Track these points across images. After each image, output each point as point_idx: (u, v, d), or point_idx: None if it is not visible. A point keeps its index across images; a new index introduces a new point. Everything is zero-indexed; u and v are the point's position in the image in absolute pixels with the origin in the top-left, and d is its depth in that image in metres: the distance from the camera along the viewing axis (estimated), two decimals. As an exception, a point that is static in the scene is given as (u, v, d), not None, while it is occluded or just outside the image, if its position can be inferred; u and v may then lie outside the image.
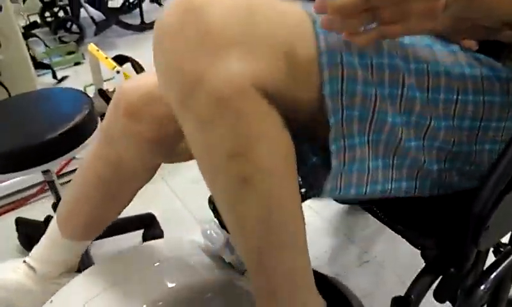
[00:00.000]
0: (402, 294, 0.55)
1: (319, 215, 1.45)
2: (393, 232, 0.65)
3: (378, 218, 0.60)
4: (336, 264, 1.28)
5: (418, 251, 0.60)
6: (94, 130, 1.07)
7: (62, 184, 1.66)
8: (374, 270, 1.25)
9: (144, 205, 1.30)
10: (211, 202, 0.69)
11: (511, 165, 0.48)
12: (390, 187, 0.51)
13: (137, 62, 1.82)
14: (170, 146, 0.68)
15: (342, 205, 1.46)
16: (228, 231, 0.72)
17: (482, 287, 0.60)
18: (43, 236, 0.79)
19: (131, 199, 0.76)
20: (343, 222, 1.44)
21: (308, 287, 0.52)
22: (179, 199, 1.55)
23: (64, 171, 1.67)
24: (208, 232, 0.78)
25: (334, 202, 1.44)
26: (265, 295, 0.50)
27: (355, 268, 1.27)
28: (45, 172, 1.17)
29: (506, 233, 0.58)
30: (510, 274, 0.69)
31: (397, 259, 1.24)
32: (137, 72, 1.76)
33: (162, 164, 0.75)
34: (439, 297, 0.55)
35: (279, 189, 0.44)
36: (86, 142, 1.05)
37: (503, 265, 0.63)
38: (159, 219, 1.36)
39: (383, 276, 1.22)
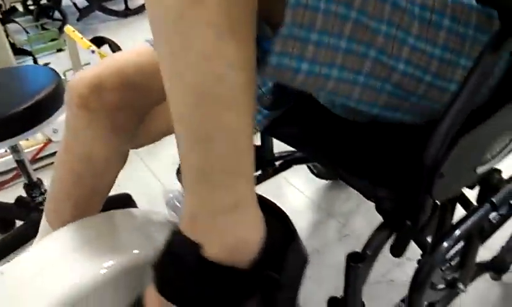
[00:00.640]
0: (380, 265, 0.53)
1: (301, 193, 1.44)
2: (373, 206, 0.62)
3: (333, 170, 0.57)
4: (315, 238, 1.27)
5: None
6: (60, 107, 1.05)
7: (39, 168, 1.65)
8: (354, 243, 1.23)
9: (121, 186, 1.29)
10: (179, 172, 0.67)
11: (465, 107, 0.45)
12: (349, 78, 0.45)
13: (115, 44, 1.78)
14: (128, 131, 0.68)
15: (324, 182, 1.45)
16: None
17: (445, 244, 0.58)
18: (38, 234, 0.76)
19: (111, 186, 0.75)
20: (324, 198, 1.42)
21: (250, 178, 0.43)
22: (157, 179, 1.53)
23: (41, 155, 1.64)
24: (171, 202, 0.76)
25: (317, 179, 1.44)
26: (193, 172, 0.41)
27: (335, 241, 1.25)
28: (14, 151, 1.14)
29: (464, 185, 0.56)
30: (478, 234, 0.68)
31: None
32: (115, 53, 1.72)
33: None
34: (395, 251, 0.53)
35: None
36: (51, 118, 1.03)
37: (467, 222, 0.61)
38: (136, 199, 1.34)
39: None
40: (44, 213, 0.76)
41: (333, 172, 1.44)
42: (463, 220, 0.62)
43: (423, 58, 0.47)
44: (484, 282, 1.05)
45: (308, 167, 1.38)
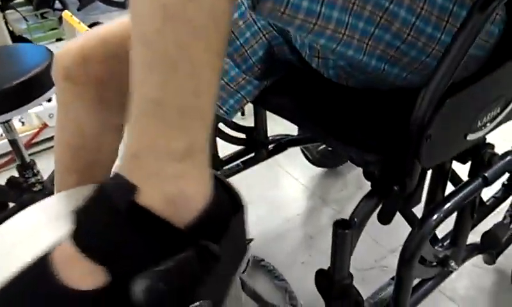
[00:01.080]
0: (374, 252, 0.52)
1: (296, 180, 1.43)
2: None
3: (320, 137, 0.57)
4: (309, 225, 1.26)
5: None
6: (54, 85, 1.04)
7: (35, 153, 1.64)
8: (348, 230, 1.22)
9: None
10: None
11: (452, 66, 0.44)
12: (349, 22, 0.44)
13: (112, 30, 1.77)
14: (117, 104, 0.65)
15: (320, 170, 1.44)
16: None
17: (435, 216, 0.58)
18: None
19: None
20: (319, 186, 1.41)
21: (207, 126, 0.38)
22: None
23: (36, 139, 1.63)
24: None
25: (312, 167, 1.43)
26: (146, 103, 0.37)
27: (329, 228, 1.24)
28: (7, 130, 1.13)
29: (454, 152, 0.55)
30: (469, 210, 0.67)
31: (372, 220, 1.22)
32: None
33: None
34: (383, 218, 0.52)
35: None
36: (45, 95, 1.02)
37: (458, 195, 0.60)
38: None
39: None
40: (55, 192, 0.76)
41: (319, 137, 1.43)
42: (453, 193, 0.61)
43: (424, 7, 0.46)
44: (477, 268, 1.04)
45: (304, 154, 1.37)
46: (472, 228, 0.70)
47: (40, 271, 0.39)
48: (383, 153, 0.50)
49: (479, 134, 0.53)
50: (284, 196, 1.44)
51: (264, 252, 1.14)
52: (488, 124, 0.54)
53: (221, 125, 1.02)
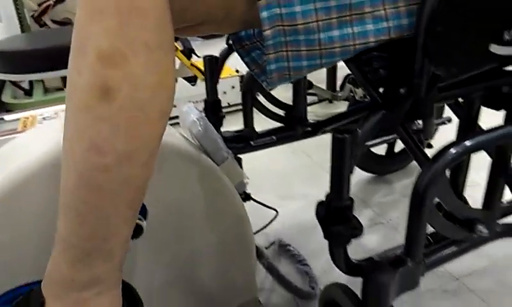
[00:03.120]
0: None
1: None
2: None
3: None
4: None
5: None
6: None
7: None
8: (386, 232, 1.14)
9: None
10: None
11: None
12: None
13: None
14: None
15: (366, 175, 1.37)
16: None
17: (452, 150, 0.52)
18: None
19: None
20: (362, 190, 1.34)
21: (116, 264, 0.44)
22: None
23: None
24: (185, 113, 0.76)
25: (359, 172, 1.36)
26: (58, 240, 0.43)
27: (366, 228, 1.16)
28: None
29: (473, 64, 0.49)
30: (502, 165, 0.59)
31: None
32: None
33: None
34: (389, 129, 0.47)
35: None
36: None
37: (484, 135, 0.54)
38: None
39: (394, 237, 1.12)
40: None
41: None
42: (479, 132, 0.54)
43: None
44: None
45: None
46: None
47: None
48: (390, 50, 0.46)
49: (508, 50, 0.47)
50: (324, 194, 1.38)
51: (295, 243, 1.09)
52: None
53: (262, 99, 1.03)
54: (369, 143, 1.24)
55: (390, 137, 1.22)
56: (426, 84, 0.45)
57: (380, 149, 1.33)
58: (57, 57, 1.24)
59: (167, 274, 0.65)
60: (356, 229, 0.51)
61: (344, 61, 0.48)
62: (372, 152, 1.33)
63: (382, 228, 1.16)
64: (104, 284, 0.44)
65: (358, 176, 1.38)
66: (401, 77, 0.46)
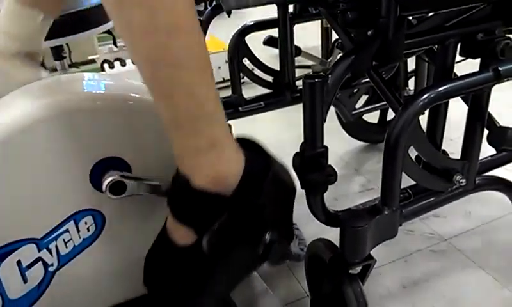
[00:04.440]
0: None
1: (333, 152, 1.37)
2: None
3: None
4: (337, 189, 1.20)
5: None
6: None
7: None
8: (377, 195, 1.15)
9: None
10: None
11: None
12: None
13: None
14: None
15: (360, 145, 1.37)
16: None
17: (425, 95, 0.52)
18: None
19: None
20: (354, 158, 1.35)
21: (219, 122, 0.49)
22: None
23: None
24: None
25: (351, 141, 1.37)
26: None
27: (356, 193, 1.18)
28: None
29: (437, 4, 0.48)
30: (479, 114, 0.59)
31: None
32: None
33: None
34: (357, 74, 0.47)
35: None
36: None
37: (460, 81, 0.54)
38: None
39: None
40: None
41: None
42: (452, 80, 0.55)
43: None
44: None
45: (340, 123, 1.32)
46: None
47: (162, 233, 0.55)
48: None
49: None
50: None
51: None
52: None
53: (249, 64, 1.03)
54: (361, 110, 1.24)
55: (383, 103, 1.22)
56: (393, 25, 0.45)
57: (372, 117, 1.33)
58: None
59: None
60: (331, 176, 0.52)
61: (313, 5, 0.48)
62: (364, 120, 1.32)
63: (373, 192, 1.17)
64: (221, 141, 0.49)
65: (351, 144, 1.38)
66: (369, 18, 0.46)
